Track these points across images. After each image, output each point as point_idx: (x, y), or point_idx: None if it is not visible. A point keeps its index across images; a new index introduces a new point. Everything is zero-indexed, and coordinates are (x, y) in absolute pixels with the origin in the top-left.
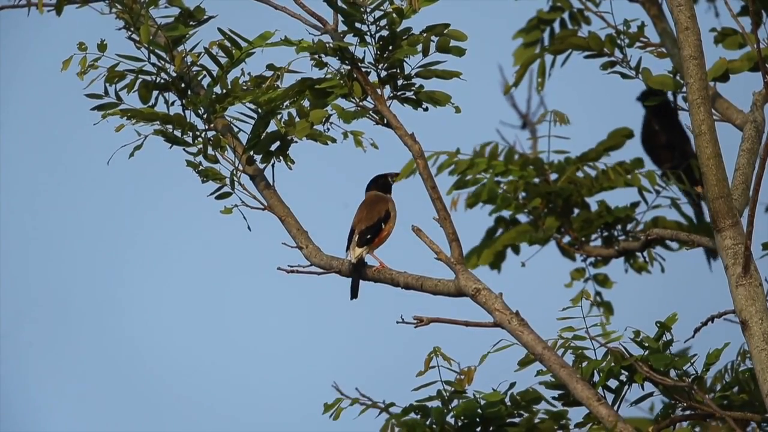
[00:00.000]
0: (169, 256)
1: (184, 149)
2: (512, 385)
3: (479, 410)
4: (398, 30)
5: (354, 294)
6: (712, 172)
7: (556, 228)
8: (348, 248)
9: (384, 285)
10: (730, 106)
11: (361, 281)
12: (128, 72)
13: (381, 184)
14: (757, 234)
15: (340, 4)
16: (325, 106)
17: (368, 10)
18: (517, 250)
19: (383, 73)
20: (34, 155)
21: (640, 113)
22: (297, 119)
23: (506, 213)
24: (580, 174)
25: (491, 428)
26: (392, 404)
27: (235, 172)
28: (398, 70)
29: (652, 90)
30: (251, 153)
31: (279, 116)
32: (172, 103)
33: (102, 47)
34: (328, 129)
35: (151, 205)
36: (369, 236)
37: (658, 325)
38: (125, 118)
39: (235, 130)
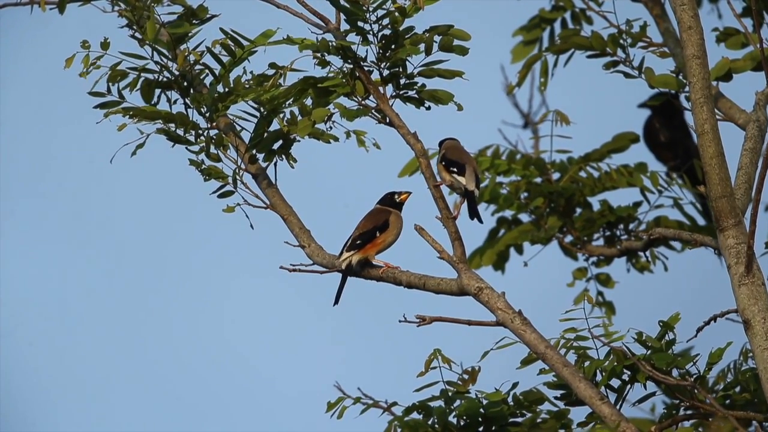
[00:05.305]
0: (170, 254)
1: (186, 148)
2: (515, 385)
3: (482, 410)
4: (401, 29)
5: (336, 300)
6: (715, 171)
7: (559, 227)
8: (339, 255)
9: (387, 284)
10: (732, 105)
11: (344, 288)
12: (131, 70)
13: (387, 200)
14: (759, 233)
15: (342, 3)
16: (328, 104)
17: (370, 9)
18: (520, 250)
19: (386, 72)
20: (35, 153)
21: (642, 113)
22: (299, 118)
23: (508, 213)
24: (582, 174)
25: (494, 428)
26: (395, 404)
27: (237, 170)
28: (401, 69)
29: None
30: (254, 151)
31: (281, 115)
32: (175, 102)
33: (105, 45)
34: (331, 128)
35: (153, 203)
36: (359, 242)
37: (661, 324)
38: (128, 116)
39: (238, 128)
